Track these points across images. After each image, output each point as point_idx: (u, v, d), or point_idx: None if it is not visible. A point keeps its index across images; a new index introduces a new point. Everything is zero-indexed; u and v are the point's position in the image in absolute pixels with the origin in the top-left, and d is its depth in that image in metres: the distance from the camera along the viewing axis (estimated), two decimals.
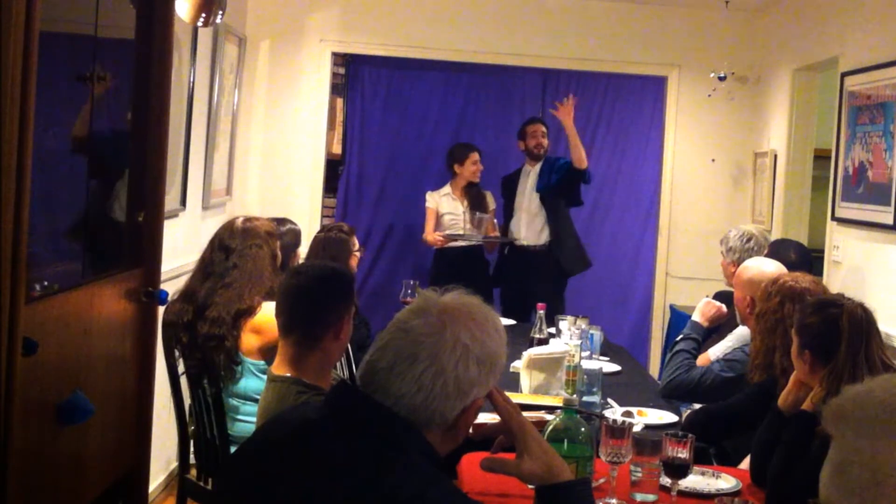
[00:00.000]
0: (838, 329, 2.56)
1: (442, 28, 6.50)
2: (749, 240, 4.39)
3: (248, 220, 3.54)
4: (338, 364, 3.95)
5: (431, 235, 6.28)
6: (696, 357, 3.79)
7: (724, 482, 2.67)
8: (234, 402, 3.40)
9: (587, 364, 3.74)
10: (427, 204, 6.38)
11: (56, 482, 2.79)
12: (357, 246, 4.65)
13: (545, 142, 6.29)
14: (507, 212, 6.42)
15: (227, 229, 3.50)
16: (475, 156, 6.36)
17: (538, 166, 6.27)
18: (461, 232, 6.27)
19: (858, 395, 1.15)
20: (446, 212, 6.35)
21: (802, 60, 5.76)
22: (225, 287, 3.38)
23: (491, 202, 6.45)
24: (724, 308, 3.97)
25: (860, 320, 2.58)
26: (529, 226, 6.26)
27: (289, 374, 2.57)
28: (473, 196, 6.38)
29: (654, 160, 6.90)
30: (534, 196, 6.25)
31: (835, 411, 1.16)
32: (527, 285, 6.11)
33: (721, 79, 6.17)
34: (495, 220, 6.43)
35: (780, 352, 2.96)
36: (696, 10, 6.54)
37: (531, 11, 6.54)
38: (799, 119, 5.87)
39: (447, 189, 6.40)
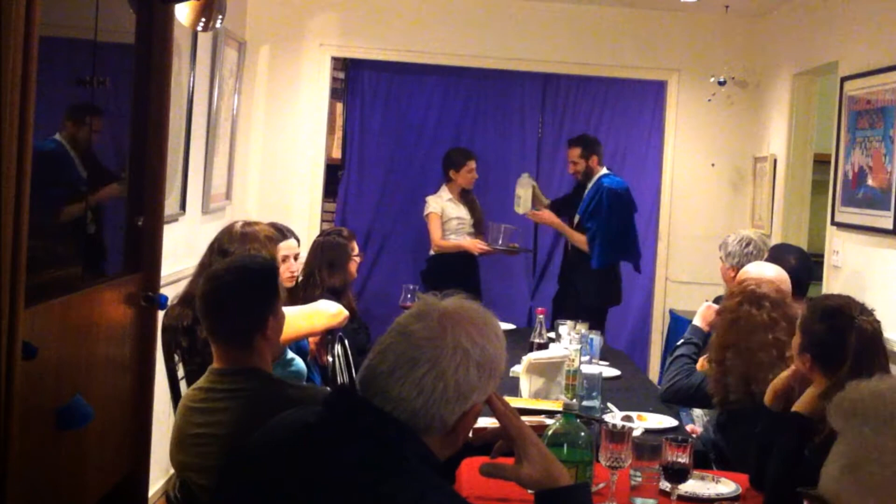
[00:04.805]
0: (844, 343, 2.53)
1: (442, 33, 6.50)
2: (748, 244, 4.39)
3: (247, 224, 3.55)
4: (337, 368, 3.94)
5: (475, 246, 6.21)
6: (696, 361, 3.80)
7: (724, 487, 2.67)
8: None
9: (587, 368, 3.75)
10: (432, 209, 6.30)
11: (55, 487, 2.78)
12: (356, 251, 4.64)
13: (578, 166, 6.16)
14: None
15: (227, 233, 3.50)
16: (472, 164, 6.34)
17: (588, 188, 6.11)
18: (507, 246, 6.24)
19: (874, 391, 1.12)
20: (453, 216, 6.32)
21: (802, 65, 5.77)
22: None
23: (478, 206, 6.47)
24: None
25: (868, 339, 2.56)
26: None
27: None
28: (470, 201, 6.40)
29: (654, 164, 6.90)
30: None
31: (847, 407, 1.13)
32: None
33: (721, 83, 6.18)
34: (515, 228, 6.38)
35: (733, 351, 3.17)
36: (696, 15, 6.54)
37: (530, 16, 6.54)
38: (799, 123, 5.87)
39: (447, 194, 6.36)
